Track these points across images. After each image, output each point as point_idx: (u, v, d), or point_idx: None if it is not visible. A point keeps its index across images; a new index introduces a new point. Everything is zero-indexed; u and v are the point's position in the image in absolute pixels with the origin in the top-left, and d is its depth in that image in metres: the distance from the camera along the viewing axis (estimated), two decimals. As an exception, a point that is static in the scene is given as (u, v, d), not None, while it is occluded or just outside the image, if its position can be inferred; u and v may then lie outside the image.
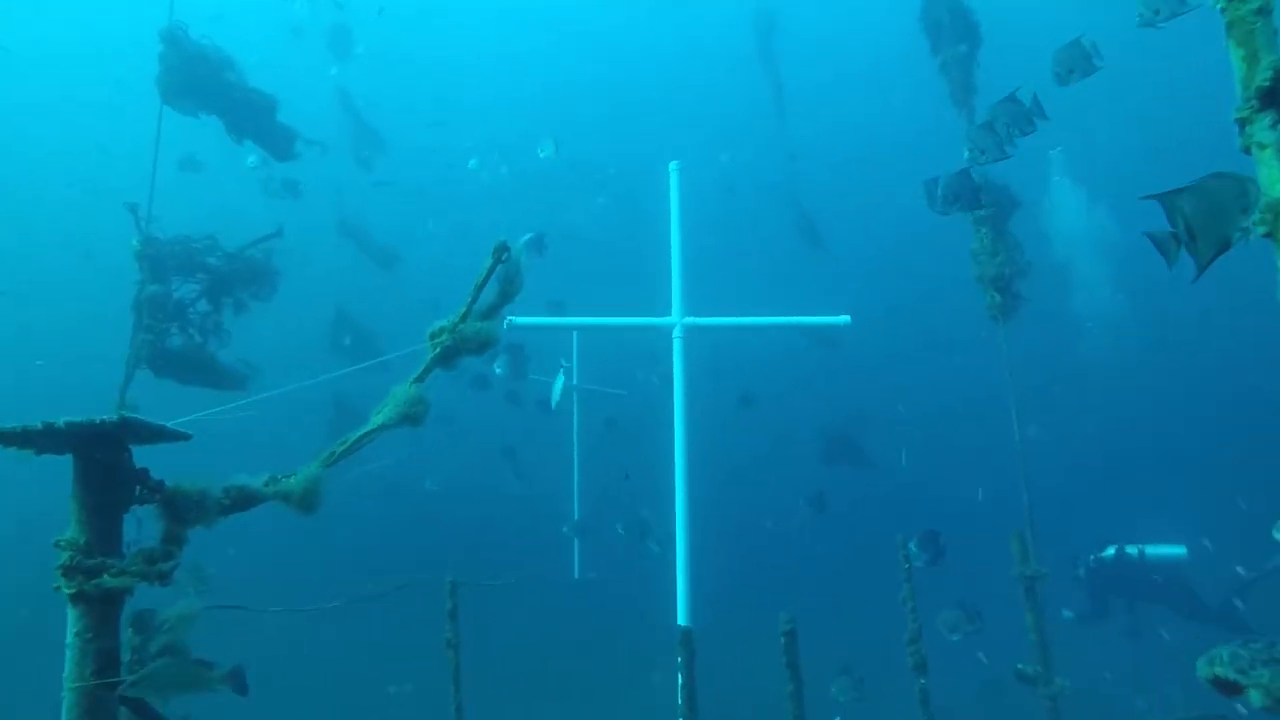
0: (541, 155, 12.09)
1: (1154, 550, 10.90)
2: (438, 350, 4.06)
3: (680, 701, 6.05)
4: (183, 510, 3.46)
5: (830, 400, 17.88)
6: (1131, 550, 10.89)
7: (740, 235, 22.24)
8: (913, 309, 22.30)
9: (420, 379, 4.04)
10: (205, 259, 8.39)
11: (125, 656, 3.57)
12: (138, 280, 8.00)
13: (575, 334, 12.83)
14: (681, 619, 6.75)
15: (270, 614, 5.27)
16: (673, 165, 7.38)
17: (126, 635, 4.23)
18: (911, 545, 9.12)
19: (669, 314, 7.14)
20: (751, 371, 16.68)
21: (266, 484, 3.71)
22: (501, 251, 4.20)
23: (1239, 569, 11.00)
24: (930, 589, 7.07)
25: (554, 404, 10.80)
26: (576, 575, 17.12)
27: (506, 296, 4.24)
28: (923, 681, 6.37)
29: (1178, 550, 10.97)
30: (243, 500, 3.66)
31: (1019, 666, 6.83)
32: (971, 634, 8.25)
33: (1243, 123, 2.45)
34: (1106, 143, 23.06)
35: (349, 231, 18.06)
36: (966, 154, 6.07)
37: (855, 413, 18.43)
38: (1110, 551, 10.86)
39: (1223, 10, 2.57)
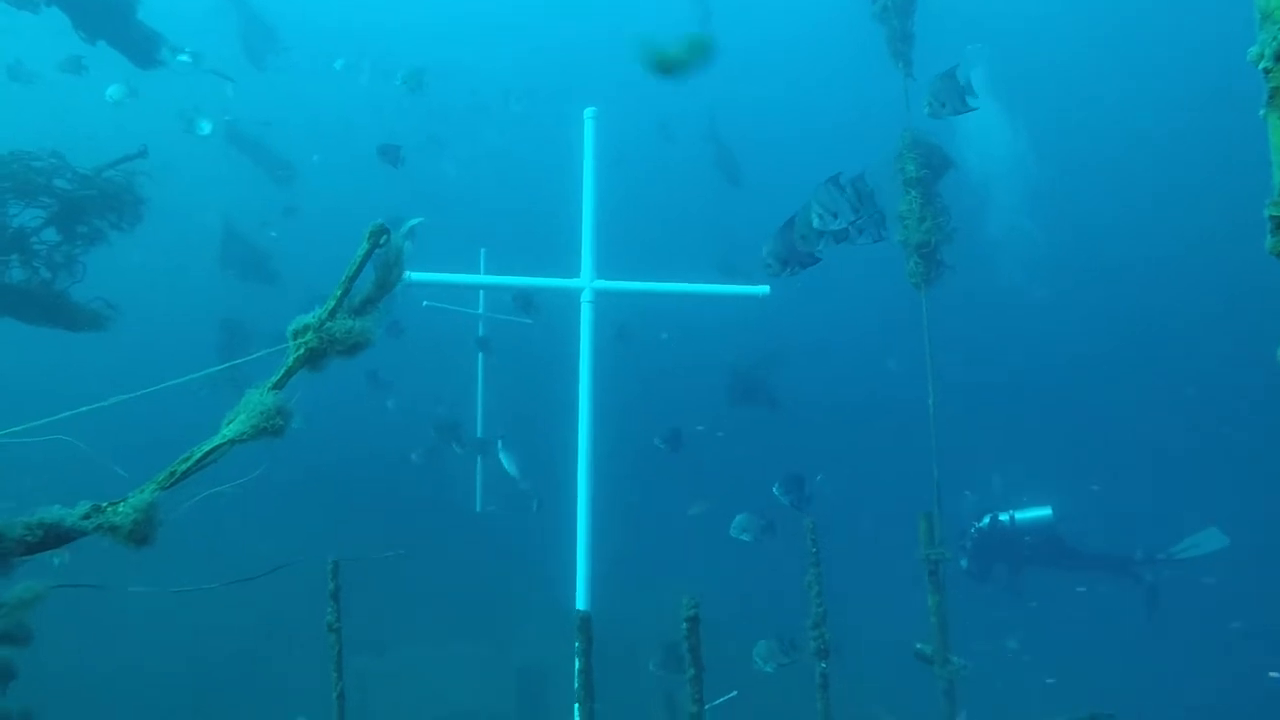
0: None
1: (1022, 515, 11.49)
2: (301, 352, 3.45)
3: (577, 687, 5.77)
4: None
5: (741, 341, 17.67)
6: (1003, 517, 11.44)
7: (661, 187, 21.55)
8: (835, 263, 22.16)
9: (279, 385, 3.44)
10: (51, 180, 7.35)
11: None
12: (-36, 205, 6.93)
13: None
14: (580, 603, 6.42)
15: (135, 595, 4.69)
16: (588, 112, 6.72)
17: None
18: (775, 489, 9.28)
19: (577, 275, 6.60)
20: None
21: (87, 515, 3.09)
22: (379, 235, 3.58)
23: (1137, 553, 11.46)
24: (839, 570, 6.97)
25: None
26: (478, 508, 16.78)
27: (384, 287, 3.64)
28: (823, 666, 6.25)
29: (1044, 511, 11.54)
30: (53, 538, 3.04)
31: (917, 646, 6.80)
32: (787, 665, 7.88)
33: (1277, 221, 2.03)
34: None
35: (240, 140, 16.55)
36: (926, 107, 5.60)
37: (766, 354, 18.29)
38: (985, 521, 11.44)
39: (1267, 72, 2.13)
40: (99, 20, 7.73)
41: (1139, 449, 18.86)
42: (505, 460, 9.79)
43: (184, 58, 10.55)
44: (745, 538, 7.40)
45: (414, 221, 3.71)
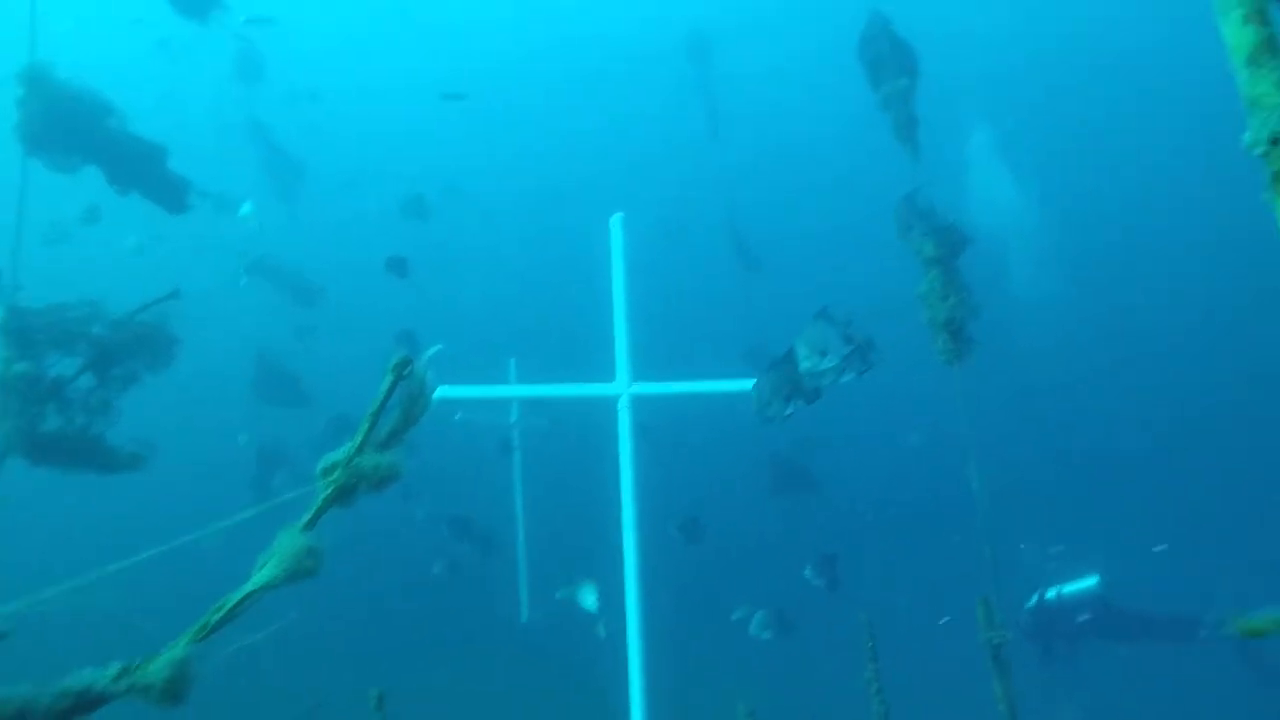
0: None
1: (1069, 588, 10.95)
2: (330, 490, 3.40)
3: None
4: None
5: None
6: (1050, 594, 10.96)
7: (683, 283, 21.76)
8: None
9: (310, 525, 3.38)
10: (86, 328, 7.53)
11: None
12: (1, 358, 7.10)
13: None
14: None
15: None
16: (615, 219, 6.80)
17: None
18: (806, 571, 8.96)
19: (612, 380, 6.57)
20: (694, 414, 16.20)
21: (118, 677, 3.01)
22: (402, 367, 3.57)
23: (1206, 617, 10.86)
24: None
25: None
26: (525, 618, 16.39)
27: (410, 420, 3.61)
28: (897, 773, 5.90)
29: (1089, 582, 10.99)
30: (85, 704, 2.94)
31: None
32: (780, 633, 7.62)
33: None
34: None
35: (263, 269, 17.02)
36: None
37: (804, 437, 18.05)
38: (1033, 600, 10.95)
39: (1265, 156, 2.10)
40: (133, 172, 8.05)
41: (1201, 508, 18.17)
42: (585, 595, 9.52)
43: (247, 209, 10.99)
44: (765, 636, 7.09)
45: (435, 349, 3.70)
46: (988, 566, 6.71)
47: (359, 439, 3.49)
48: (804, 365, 4.62)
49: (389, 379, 3.57)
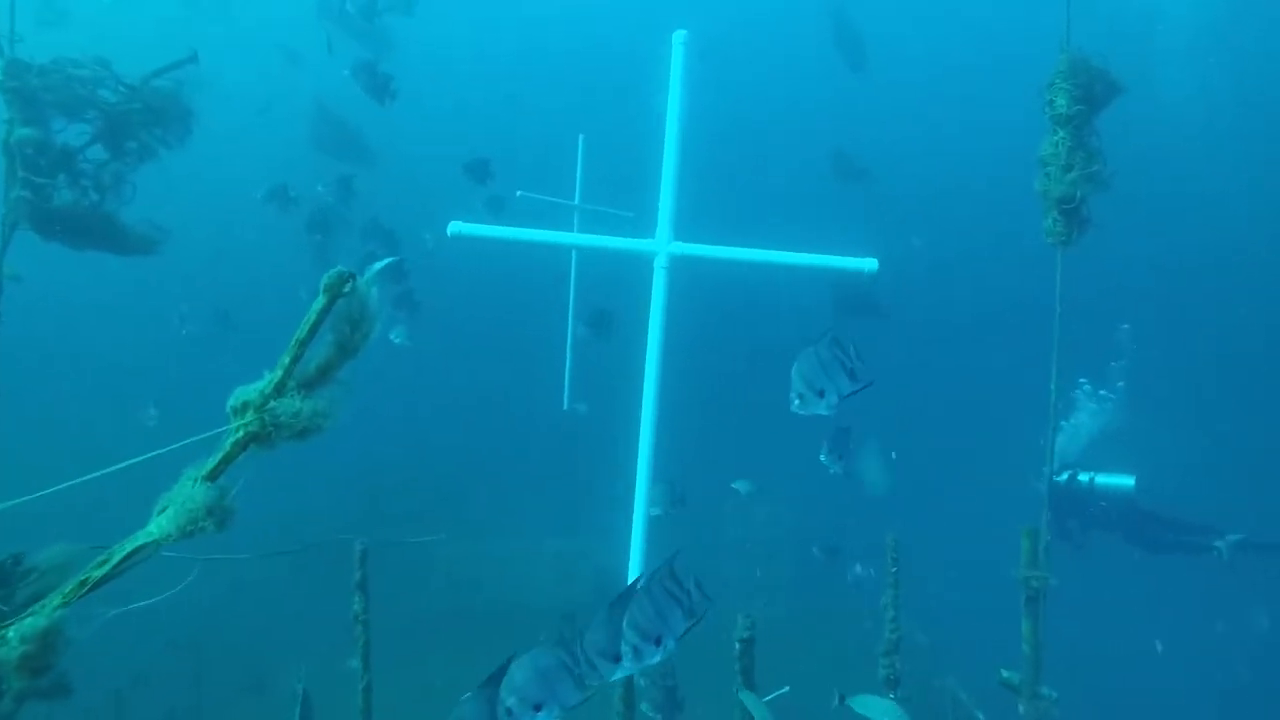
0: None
1: (1103, 479, 10.74)
2: (239, 435, 2.82)
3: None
4: None
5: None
6: (1083, 477, 10.79)
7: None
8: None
9: (214, 475, 2.83)
10: (95, 92, 6.83)
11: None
12: (3, 119, 6.50)
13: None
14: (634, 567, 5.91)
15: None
16: (678, 35, 5.61)
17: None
18: (821, 455, 8.46)
19: (652, 236, 5.72)
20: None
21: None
22: (340, 285, 2.85)
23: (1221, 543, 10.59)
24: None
25: None
26: (566, 406, 16.55)
27: (348, 351, 2.93)
28: (892, 696, 5.61)
29: (1126, 480, 10.76)
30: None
31: (1003, 674, 6.03)
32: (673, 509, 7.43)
33: None
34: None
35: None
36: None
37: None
38: (1064, 476, 10.73)
39: None
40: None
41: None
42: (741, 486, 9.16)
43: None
44: (655, 512, 6.41)
45: (383, 263, 2.95)
46: (1044, 497, 6.00)
47: (278, 374, 2.85)
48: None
49: (321, 300, 2.86)
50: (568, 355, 15.28)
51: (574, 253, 15.17)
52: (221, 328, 11.22)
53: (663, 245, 5.65)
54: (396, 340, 10.21)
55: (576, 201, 14.34)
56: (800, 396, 3.63)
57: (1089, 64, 6.74)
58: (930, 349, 18.23)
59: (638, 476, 6.25)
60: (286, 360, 2.82)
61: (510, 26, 23.29)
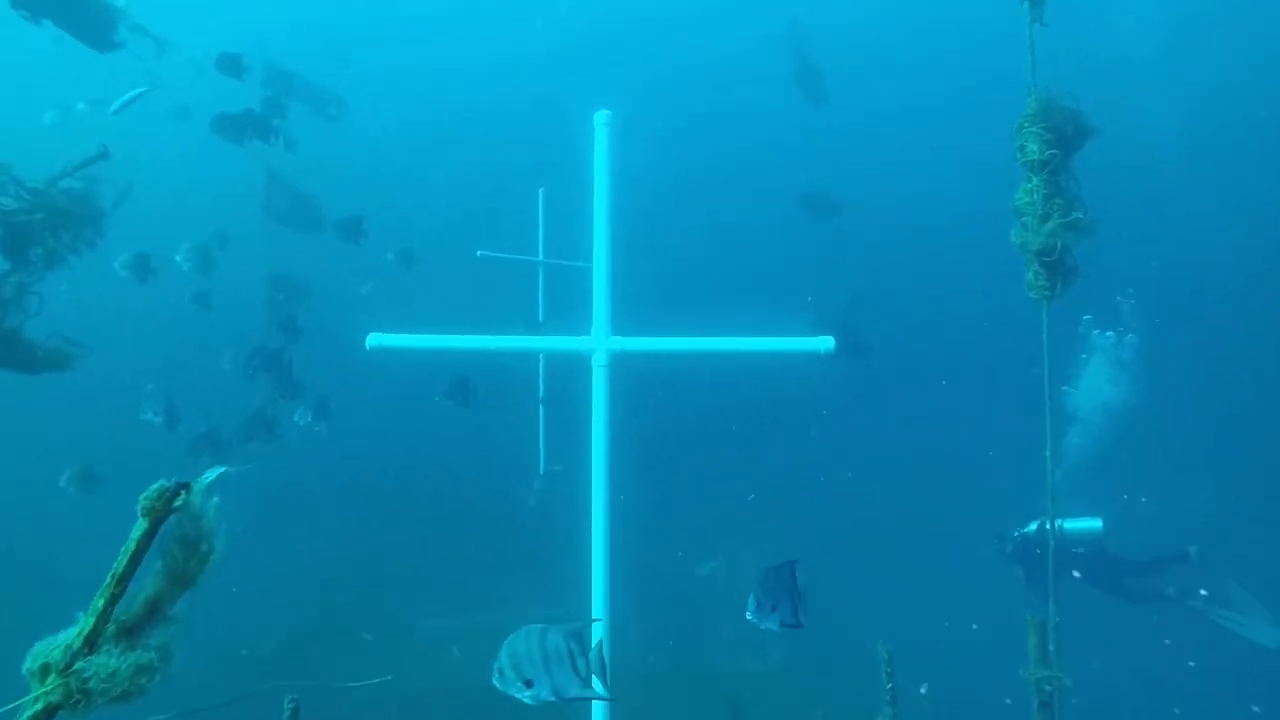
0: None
1: (1071, 524, 10.57)
2: (39, 707, 2.22)
3: None
4: None
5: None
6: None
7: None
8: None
9: (12, 757, 2.24)
10: (-5, 200, 6.27)
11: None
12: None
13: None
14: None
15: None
16: (600, 115, 5.13)
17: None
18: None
19: (587, 332, 5.20)
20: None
21: None
22: (166, 502, 2.29)
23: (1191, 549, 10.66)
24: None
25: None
26: (542, 470, 15.97)
27: (183, 580, 2.36)
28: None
29: (1093, 523, 10.62)
30: None
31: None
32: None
33: None
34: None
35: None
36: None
37: (854, 295, 16.58)
38: (1033, 526, 10.37)
39: None
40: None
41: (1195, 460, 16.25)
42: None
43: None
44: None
45: (215, 473, 2.37)
46: (1049, 587, 5.45)
47: (89, 623, 2.27)
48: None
49: (142, 525, 2.29)
50: (540, 417, 14.72)
51: (540, 301, 14.74)
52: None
53: (600, 342, 5.13)
54: (301, 422, 9.61)
55: (540, 257, 13.89)
56: (758, 604, 3.38)
57: (1059, 105, 6.28)
58: (911, 388, 17.81)
59: (593, 577, 5.70)
60: (100, 604, 2.24)
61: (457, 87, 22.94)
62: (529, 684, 3.15)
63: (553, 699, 3.17)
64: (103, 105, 7.38)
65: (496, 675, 3.17)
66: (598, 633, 4.92)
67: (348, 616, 12.48)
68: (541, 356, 13.99)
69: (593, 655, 3.21)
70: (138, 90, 7.42)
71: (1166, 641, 12.02)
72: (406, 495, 15.82)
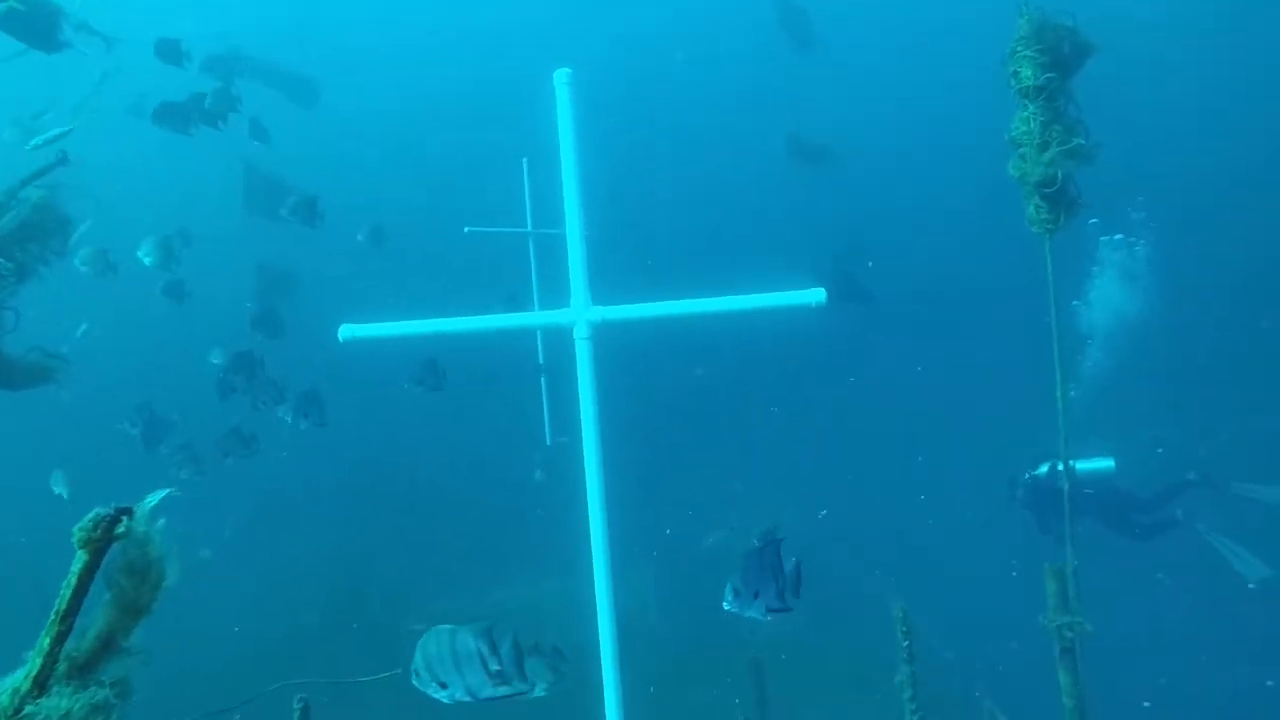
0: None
1: (1083, 465, 10.28)
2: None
3: None
4: None
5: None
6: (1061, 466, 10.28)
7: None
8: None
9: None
10: (-45, 216, 6.07)
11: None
12: None
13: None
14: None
15: None
16: (560, 74, 4.87)
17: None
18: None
19: (566, 304, 4.98)
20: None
21: None
22: (106, 530, 2.13)
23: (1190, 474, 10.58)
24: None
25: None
26: (548, 441, 15.87)
27: (135, 610, 2.20)
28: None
29: (1106, 463, 10.51)
30: None
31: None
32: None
33: None
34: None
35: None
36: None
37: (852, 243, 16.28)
38: (1044, 469, 10.15)
39: None
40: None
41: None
42: None
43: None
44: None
45: (158, 496, 2.20)
46: (1066, 533, 5.28)
47: (36, 664, 2.11)
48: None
49: (82, 558, 2.12)
50: (543, 388, 14.58)
51: (533, 277, 14.52)
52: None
53: (580, 313, 4.91)
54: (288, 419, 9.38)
55: (529, 228, 13.63)
56: (737, 593, 3.26)
57: (1054, 23, 5.97)
58: (917, 336, 17.57)
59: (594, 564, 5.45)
60: (46, 642, 2.08)
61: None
62: (444, 685, 3.14)
63: (468, 699, 3.16)
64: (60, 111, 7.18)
65: (414, 676, 3.16)
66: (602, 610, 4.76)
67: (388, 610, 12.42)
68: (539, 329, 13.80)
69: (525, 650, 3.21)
70: (58, 130, 7.23)
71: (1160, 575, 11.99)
72: (413, 484, 15.75)
